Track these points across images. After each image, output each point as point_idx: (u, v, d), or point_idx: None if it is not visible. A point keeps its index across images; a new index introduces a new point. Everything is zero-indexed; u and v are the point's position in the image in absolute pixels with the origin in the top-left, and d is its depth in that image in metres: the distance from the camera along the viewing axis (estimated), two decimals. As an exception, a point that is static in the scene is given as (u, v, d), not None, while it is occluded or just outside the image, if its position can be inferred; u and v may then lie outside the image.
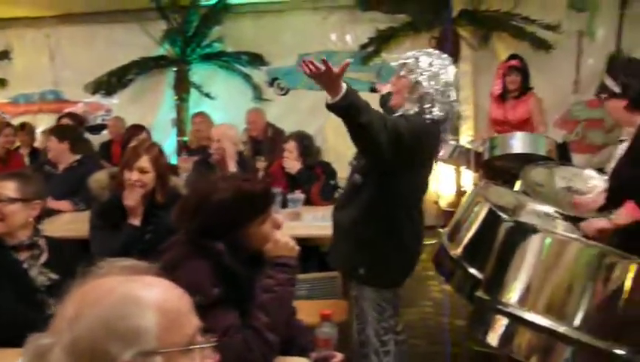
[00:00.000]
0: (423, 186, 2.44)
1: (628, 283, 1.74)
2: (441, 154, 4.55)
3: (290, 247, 1.60)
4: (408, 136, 2.10)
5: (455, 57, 5.23)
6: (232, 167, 3.51)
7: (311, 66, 1.88)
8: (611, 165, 2.72)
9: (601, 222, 2.32)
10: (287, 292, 1.53)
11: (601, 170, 3.81)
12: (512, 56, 4.51)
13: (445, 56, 2.31)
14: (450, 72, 2.24)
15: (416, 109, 2.20)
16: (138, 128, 4.36)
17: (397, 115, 2.26)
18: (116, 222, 2.36)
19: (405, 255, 2.41)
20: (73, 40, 5.99)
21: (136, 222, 2.37)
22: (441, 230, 4.72)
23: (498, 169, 4.29)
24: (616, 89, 2.36)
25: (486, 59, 5.36)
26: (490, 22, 5.16)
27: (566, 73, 5.32)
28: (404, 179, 2.24)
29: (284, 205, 3.29)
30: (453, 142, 4.66)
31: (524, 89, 4.41)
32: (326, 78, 1.90)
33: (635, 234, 2.24)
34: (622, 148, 2.60)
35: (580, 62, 5.31)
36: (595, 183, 2.99)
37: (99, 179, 2.58)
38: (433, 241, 3.97)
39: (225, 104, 5.69)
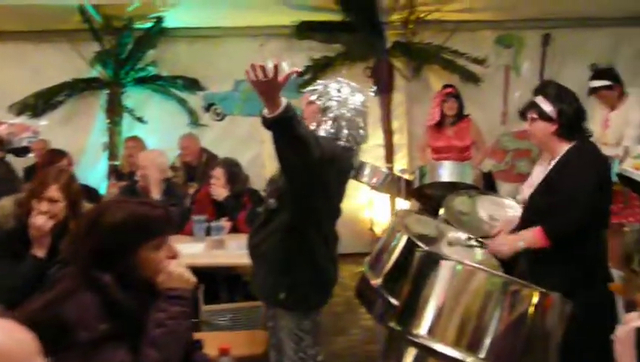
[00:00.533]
0: (336, 212, 2.43)
1: (531, 310, 1.79)
2: (374, 181, 4.71)
3: (185, 279, 1.53)
4: (326, 158, 2.12)
5: (389, 87, 5.38)
6: (156, 194, 3.42)
7: (259, 72, 1.83)
8: (525, 191, 2.78)
9: (506, 243, 2.37)
10: (181, 326, 1.46)
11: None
12: (447, 85, 4.66)
13: (354, 84, 2.35)
14: (358, 99, 2.29)
15: (327, 134, 2.23)
16: (58, 154, 4.12)
17: None
18: (19, 253, 2.23)
19: (322, 279, 2.38)
20: (1, 59, 5.75)
21: (40, 253, 2.23)
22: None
23: (428, 197, 4.39)
24: (551, 113, 2.34)
25: (419, 89, 5.52)
26: (422, 54, 5.32)
27: (494, 105, 5.55)
28: (318, 202, 2.24)
29: (209, 233, 3.23)
30: (385, 170, 4.75)
31: (461, 115, 4.56)
32: (269, 87, 1.85)
33: (540, 260, 2.31)
34: (537, 174, 2.65)
35: (507, 95, 5.56)
36: (513, 212, 3.08)
37: (3, 205, 2.44)
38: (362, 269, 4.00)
39: (160, 129, 5.57)
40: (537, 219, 2.37)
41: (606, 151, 3.50)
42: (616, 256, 3.79)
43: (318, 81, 2.37)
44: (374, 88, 5.44)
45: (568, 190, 2.29)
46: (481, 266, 1.96)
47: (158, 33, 5.34)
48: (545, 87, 2.44)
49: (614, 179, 3.05)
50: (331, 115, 2.23)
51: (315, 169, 2.08)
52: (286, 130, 1.94)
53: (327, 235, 2.37)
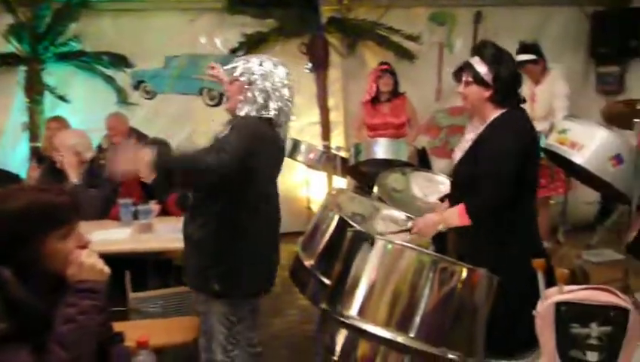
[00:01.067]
0: (273, 189, 2.37)
1: (459, 286, 1.80)
2: (310, 159, 4.67)
3: (97, 270, 1.41)
4: (247, 141, 2.09)
5: (325, 64, 5.32)
6: (73, 177, 3.23)
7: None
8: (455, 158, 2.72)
9: (428, 225, 2.34)
10: (92, 321, 1.34)
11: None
12: (383, 62, 4.64)
13: (275, 59, 2.30)
14: (281, 71, 2.24)
15: (253, 110, 2.18)
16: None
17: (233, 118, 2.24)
18: None
19: (259, 266, 2.32)
20: None
21: None
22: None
23: (364, 174, 4.39)
24: (486, 76, 2.23)
25: (355, 66, 5.47)
26: (357, 30, 5.27)
27: (429, 82, 5.59)
28: (251, 184, 2.18)
29: (136, 217, 3.08)
30: (320, 148, 4.72)
31: (396, 92, 4.56)
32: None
33: (469, 234, 2.29)
34: (466, 141, 2.60)
35: (441, 72, 5.61)
36: (445, 189, 3.11)
37: None
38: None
39: (85, 108, 5.26)
40: (461, 192, 2.33)
41: (536, 125, 3.59)
42: (543, 229, 3.93)
43: (236, 58, 2.30)
44: (309, 65, 5.36)
45: (490, 162, 2.20)
46: (411, 244, 1.95)
47: (80, 6, 5.00)
48: (482, 48, 2.31)
49: (541, 153, 3.12)
50: (256, 89, 2.18)
51: (231, 173, 2.05)
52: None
53: (265, 218, 2.31)
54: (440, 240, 2.68)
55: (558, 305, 1.18)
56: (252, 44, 5.21)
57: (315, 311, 3.63)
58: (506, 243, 2.28)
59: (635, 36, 5.42)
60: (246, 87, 2.19)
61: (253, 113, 2.19)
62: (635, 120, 4.17)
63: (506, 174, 2.17)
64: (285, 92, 2.24)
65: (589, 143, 2.85)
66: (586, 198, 4.79)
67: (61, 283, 1.40)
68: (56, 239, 1.37)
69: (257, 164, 2.15)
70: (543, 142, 3.34)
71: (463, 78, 2.32)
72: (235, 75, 2.22)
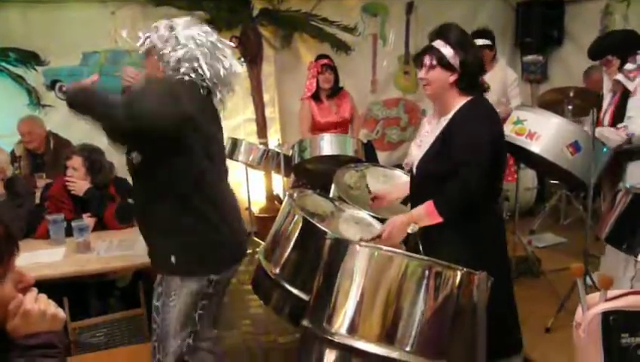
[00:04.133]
0: (219, 167, 2.18)
1: (455, 291, 1.67)
2: (250, 159, 4.43)
3: (49, 316, 1.12)
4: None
5: (258, 57, 5.07)
6: (-4, 190, 2.83)
7: None
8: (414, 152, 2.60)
9: (398, 229, 2.19)
10: None
11: (400, 166, 3.98)
12: (322, 56, 4.46)
13: (187, 17, 2.10)
14: (198, 30, 2.04)
15: (181, 80, 2.00)
16: None
17: None
18: None
19: (217, 239, 2.11)
20: None
21: None
22: (255, 238, 4.57)
23: (311, 172, 4.22)
24: (452, 60, 2.11)
25: (289, 60, 5.29)
26: (291, 22, 5.07)
27: (364, 74, 5.53)
28: (187, 152, 1.99)
29: (69, 234, 2.73)
30: (261, 147, 4.49)
31: (337, 87, 4.40)
32: None
33: (434, 236, 2.19)
34: (427, 133, 2.46)
35: (376, 64, 5.56)
36: (402, 182, 3.00)
37: None
38: (249, 251, 3.74)
39: (-8, 111, 4.73)
40: (429, 188, 2.20)
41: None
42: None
43: (143, 31, 2.09)
44: (242, 59, 5.10)
45: (466, 153, 2.07)
46: (399, 250, 1.81)
47: (-19, -3, 4.46)
48: (446, 31, 2.17)
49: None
50: (174, 57, 1.98)
51: (171, 132, 1.89)
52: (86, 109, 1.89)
53: (214, 194, 2.12)
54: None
55: (607, 314, 1.07)
56: (180, 38, 4.87)
57: (271, 321, 3.46)
58: (474, 236, 2.17)
59: (557, 27, 5.63)
60: (162, 58, 2.01)
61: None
62: (569, 107, 4.34)
63: (481, 165, 2.06)
64: (212, 51, 2.04)
65: (546, 132, 2.84)
66: (526, 184, 4.89)
67: (2, 338, 1.10)
68: None
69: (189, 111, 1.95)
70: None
71: (426, 62, 2.19)
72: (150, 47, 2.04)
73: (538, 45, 5.80)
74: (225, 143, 4.23)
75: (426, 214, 2.13)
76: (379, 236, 2.25)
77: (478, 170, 2.06)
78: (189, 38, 2.00)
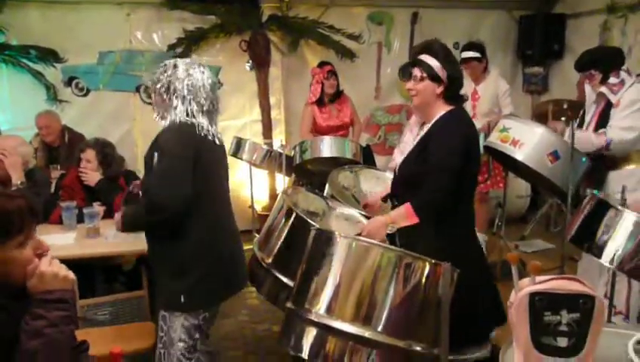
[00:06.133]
0: (220, 197, 2.34)
1: (423, 281, 1.85)
2: (254, 158, 4.63)
3: (61, 277, 1.32)
4: (184, 155, 2.09)
5: (266, 62, 5.29)
6: (17, 178, 3.04)
7: None
8: (397, 158, 2.77)
9: (378, 228, 2.34)
10: (64, 334, 1.27)
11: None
12: (324, 63, 4.66)
13: (191, 59, 2.31)
14: (199, 71, 2.21)
15: (182, 117, 2.15)
16: None
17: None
18: None
19: (228, 265, 2.29)
20: None
21: None
22: (257, 234, 4.75)
23: (310, 172, 4.42)
24: (439, 72, 2.29)
25: (295, 64, 5.49)
26: (298, 28, 5.28)
27: (368, 81, 5.71)
28: (197, 194, 2.13)
29: (81, 220, 2.95)
30: (265, 147, 4.70)
31: (339, 92, 4.61)
32: None
33: (413, 236, 2.33)
34: (408, 140, 2.61)
35: (380, 71, 5.74)
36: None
37: None
38: (250, 247, 3.93)
39: (12, 105, 4.97)
40: (408, 190, 2.37)
41: (479, 122, 3.76)
42: (480, 222, 4.12)
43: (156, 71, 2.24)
44: (250, 62, 5.32)
45: (438, 158, 2.26)
46: (375, 241, 1.99)
47: (2, -4, 4.70)
48: (432, 46, 2.36)
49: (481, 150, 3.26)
50: (173, 95, 2.15)
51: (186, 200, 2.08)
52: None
53: (219, 225, 2.29)
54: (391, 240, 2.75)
55: (533, 295, 1.25)
56: (191, 41, 5.09)
57: (266, 311, 3.65)
58: (448, 235, 2.33)
59: (558, 40, 5.78)
60: (166, 94, 2.16)
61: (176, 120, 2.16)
62: (562, 118, 4.50)
63: (452, 170, 2.24)
64: (207, 91, 2.20)
65: (529, 141, 3.01)
66: (518, 192, 5.05)
67: (22, 294, 1.31)
68: (12, 249, 1.28)
69: (206, 166, 2.14)
70: (483, 141, 3.51)
71: (415, 74, 2.36)
72: (157, 86, 2.19)
73: (539, 58, 5.93)
74: (230, 142, 4.51)
75: (404, 215, 2.29)
76: (359, 235, 2.43)
77: (449, 175, 2.24)
78: (195, 78, 2.17)
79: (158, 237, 2.19)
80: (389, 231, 2.36)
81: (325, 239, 1.99)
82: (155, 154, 2.10)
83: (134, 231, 2.37)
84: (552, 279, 1.27)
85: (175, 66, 2.17)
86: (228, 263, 2.30)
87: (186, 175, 2.08)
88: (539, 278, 1.29)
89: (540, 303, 1.24)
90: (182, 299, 2.14)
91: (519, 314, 1.26)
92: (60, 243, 2.77)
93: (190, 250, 2.15)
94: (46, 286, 1.30)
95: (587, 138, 3.10)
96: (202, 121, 2.18)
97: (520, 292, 1.26)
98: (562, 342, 1.26)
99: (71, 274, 1.37)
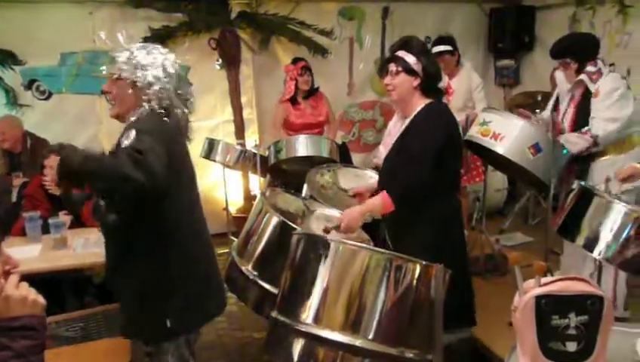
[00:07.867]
0: (194, 201, 2.12)
1: (414, 283, 1.77)
2: (227, 159, 4.50)
3: (30, 302, 1.17)
4: (161, 147, 1.79)
5: (236, 60, 5.14)
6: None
7: None
8: (382, 153, 2.77)
9: (354, 217, 2.33)
10: None
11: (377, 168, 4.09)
12: (298, 59, 4.55)
13: (154, 45, 2.05)
14: (171, 59, 2.00)
15: (155, 108, 1.92)
16: None
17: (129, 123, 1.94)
18: None
19: (211, 283, 2.15)
20: None
21: None
22: (232, 237, 4.63)
23: (286, 173, 4.30)
24: (415, 66, 2.34)
25: (267, 62, 5.36)
26: (268, 25, 5.15)
27: (341, 77, 5.62)
28: (171, 198, 1.91)
29: (46, 231, 2.78)
30: (238, 147, 4.56)
31: (313, 89, 4.50)
32: None
33: (398, 222, 2.36)
34: (394, 133, 2.59)
35: (352, 67, 5.66)
36: (373, 182, 3.11)
37: None
38: (226, 250, 3.80)
39: (-32, 110, 4.73)
40: (388, 179, 2.40)
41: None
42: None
43: (118, 49, 2.00)
44: (220, 61, 5.17)
45: (413, 150, 2.31)
46: (363, 244, 1.90)
47: (-43, -3, 4.46)
48: (408, 42, 2.41)
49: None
50: (151, 87, 1.91)
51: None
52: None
53: (196, 232, 2.10)
54: (371, 230, 2.70)
55: (539, 298, 1.17)
56: (158, 40, 4.88)
57: (245, 317, 3.53)
58: (431, 230, 2.35)
59: (528, 32, 5.80)
60: (134, 84, 1.93)
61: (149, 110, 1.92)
62: (537, 110, 4.49)
63: (427, 161, 2.26)
64: (180, 82, 2.00)
65: (509, 134, 2.97)
66: (496, 186, 5.04)
67: None
68: None
69: (179, 166, 1.95)
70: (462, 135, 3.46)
71: (391, 69, 2.40)
72: (123, 75, 1.94)
73: (510, 50, 5.96)
74: (202, 144, 4.37)
75: (381, 204, 2.31)
76: (336, 227, 2.37)
77: (424, 165, 2.26)
78: (167, 66, 1.96)
79: (134, 256, 1.95)
80: (366, 220, 2.38)
81: (309, 243, 1.90)
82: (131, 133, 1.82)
83: (77, 183, 1.83)
84: (557, 280, 1.20)
85: (147, 53, 1.97)
86: (211, 275, 2.17)
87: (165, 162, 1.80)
88: (545, 279, 1.21)
89: (547, 306, 1.17)
90: (168, 324, 1.96)
91: (525, 318, 1.19)
92: (24, 255, 2.58)
93: (177, 266, 1.97)
94: (11, 313, 1.16)
95: (573, 141, 3.06)
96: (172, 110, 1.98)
97: (525, 296, 1.18)
98: (571, 346, 1.19)
99: (41, 298, 1.22)
